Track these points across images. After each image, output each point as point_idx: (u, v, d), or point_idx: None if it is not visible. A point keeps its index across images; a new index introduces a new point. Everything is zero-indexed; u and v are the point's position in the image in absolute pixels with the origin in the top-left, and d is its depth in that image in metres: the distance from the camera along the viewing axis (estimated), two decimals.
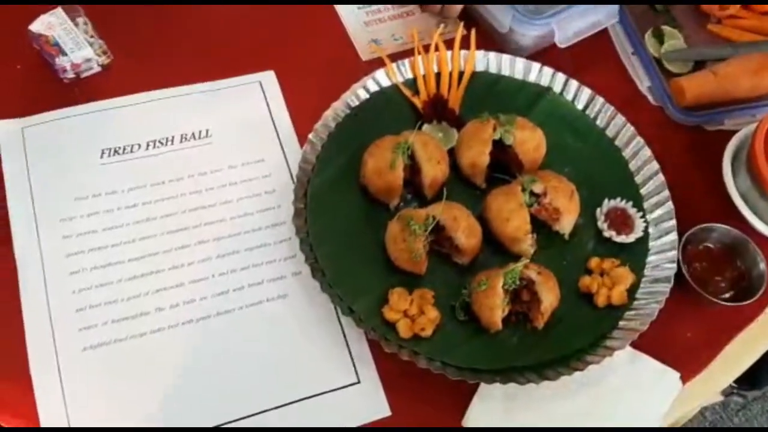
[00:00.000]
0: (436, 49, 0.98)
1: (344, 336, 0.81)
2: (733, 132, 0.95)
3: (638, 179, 0.92)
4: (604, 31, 1.04)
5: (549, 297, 0.81)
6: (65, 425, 0.74)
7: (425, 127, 0.95)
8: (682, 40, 1.05)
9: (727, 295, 0.86)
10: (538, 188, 0.87)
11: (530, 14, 0.97)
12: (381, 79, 0.97)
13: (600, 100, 0.96)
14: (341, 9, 1.06)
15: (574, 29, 0.99)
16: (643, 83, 1.02)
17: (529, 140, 0.90)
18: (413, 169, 0.89)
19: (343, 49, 1.03)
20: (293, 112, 0.96)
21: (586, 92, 0.97)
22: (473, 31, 0.99)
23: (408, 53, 1.00)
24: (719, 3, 1.08)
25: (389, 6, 1.07)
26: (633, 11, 1.07)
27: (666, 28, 1.06)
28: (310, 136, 0.91)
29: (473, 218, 0.85)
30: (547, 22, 0.97)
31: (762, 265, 0.85)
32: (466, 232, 0.84)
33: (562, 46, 0.99)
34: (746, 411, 1.73)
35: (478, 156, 0.89)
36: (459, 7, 1.01)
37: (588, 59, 1.03)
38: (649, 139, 0.94)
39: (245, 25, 1.04)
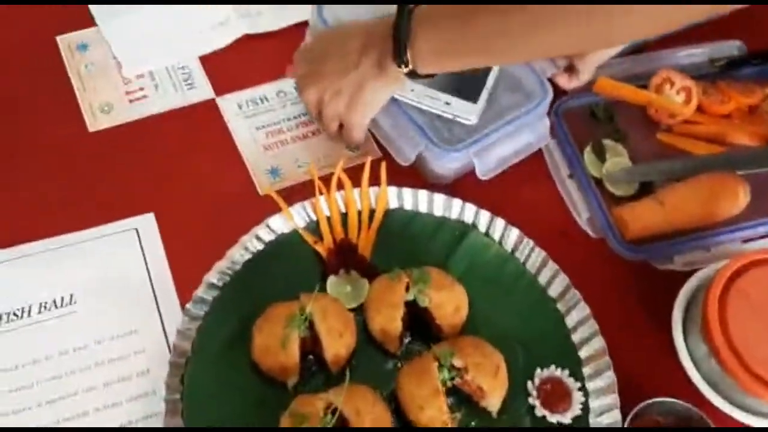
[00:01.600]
0: (341, 185, 0.85)
1: None
2: (688, 274, 0.82)
3: (575, 339, 0.80)
4: (538, 151, 0.91)
5: None
6: None
7: (331, 280, 0.82)
8: (626, 155, 0.93)
9: None
10: (457, 363, 0.74)
11: (444, 144, 0.84)
12: (278, 223, 0.83)
13: (530, 242, 0.83)
14: (237, 130, 0.92)
15: (496, 157, 0.86)
16: (582, 215, 0.89)
17: (447, 303, 0.77)
18: (314, 339, 0.76)
19: (238, 181, 0.89)
20: (175, 268, 0.82)
21: (515, 232, 0.84)
22: (383, 165, 0.86)
23: (313, 185, 0.86)
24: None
25: (292, 125, 0.94)
26: (571, 124, 0.94)
27: (608, 143, 0.93)
28: (189, 305, 0.77)
29: (381, 406, 0.72)
30: (465, 153, 0.84)
31: None
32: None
33: (485, 178, 0.86)
34: None
35: (388, 323, 0.76)
36: (361, 136, 0.87)
37: (518, 186, 0.90)
38: (590, 280, 0.82)
39: (118, 157, 0.90)
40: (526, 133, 0.88)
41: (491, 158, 0.86)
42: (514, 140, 0.87)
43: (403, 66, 0.78)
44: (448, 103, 0.86)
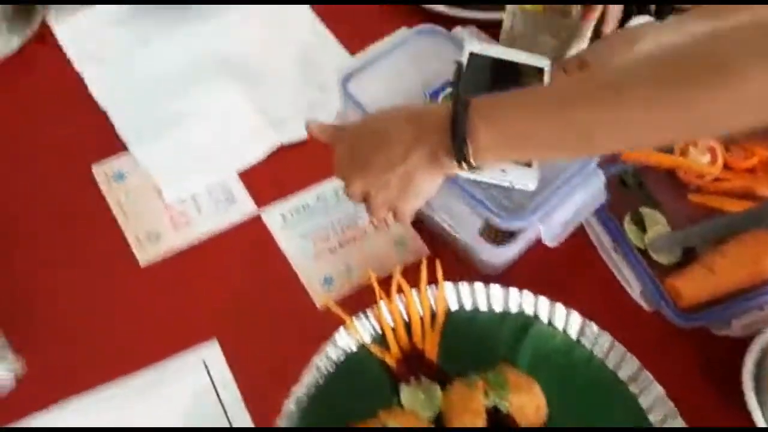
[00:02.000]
0: (399, 289, 0.86)
1: None
2: (747, 336, 0.84)
3: (653, 419, 0.81)
4: (580, 227, 0.93)
5: None
6: None
7: (404, 390, 0.82)
8: (665, 222, 0.95)
9: None
10: None
11: (507, 213, 0.82)
12: (344, 338, 0.84)
13: (593, 326, 0.84)
14: (284, 242, 0.93)
15: (558, 222, 0.85)
16: (635, 289, 0.90)
17: (527, 404, 0.78)
18: None
19: (294, 294, 0.90)
20: (247, 395, 0.82)
21: (576, 317, 0.85)
22: (438, 264, 0.86)
23: (368, 290, 0.86)
24: None
25: (338, 229, 0.94)
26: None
27: (645, 211, 0.95)
28: None
29: None
30: (530, 220, 0.83)
31: None
32: None
33: (552, 244, 0.85)
34: None
35: None
36: (411, 220, 0.86)
37: (566, 265, 0.91)
38: (650, 353, 0.82)
39: (171, 287, 0.90)
40: (581, 193, 0.87)
41: (555, 223, 0.85)
42: (572, 201, 0.86)
43: (463, 162, 0.72)
44: (504, 171, 0.83)
